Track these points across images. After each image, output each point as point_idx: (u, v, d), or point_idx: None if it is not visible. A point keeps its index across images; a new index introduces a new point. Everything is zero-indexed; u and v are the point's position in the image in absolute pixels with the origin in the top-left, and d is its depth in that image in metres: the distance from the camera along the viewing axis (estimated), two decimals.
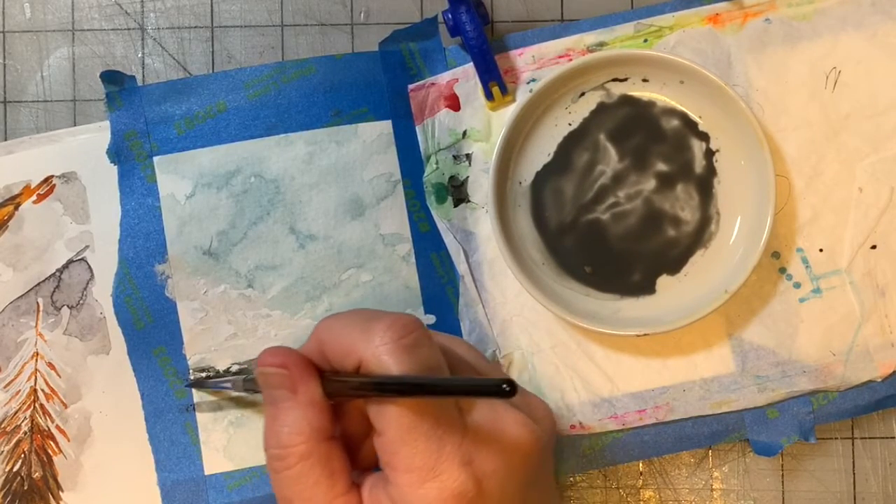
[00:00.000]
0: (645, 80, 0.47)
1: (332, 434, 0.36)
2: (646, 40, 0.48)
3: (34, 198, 0.49)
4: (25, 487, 0.48)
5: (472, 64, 0.48)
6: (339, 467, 0.36)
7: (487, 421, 0.35)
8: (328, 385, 0.37)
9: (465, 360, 0.41)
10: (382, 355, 0.34)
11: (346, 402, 0.38)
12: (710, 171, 0.47)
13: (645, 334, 0.46)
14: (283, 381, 0.36)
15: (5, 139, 0.50)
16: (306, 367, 0.37)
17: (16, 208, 0.49)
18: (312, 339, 0.38)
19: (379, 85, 0.49)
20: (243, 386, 0.43)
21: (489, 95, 0.48)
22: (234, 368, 0.48)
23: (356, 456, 0.39)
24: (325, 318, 0.39)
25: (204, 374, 0.48)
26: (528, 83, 0.49)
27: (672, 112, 0.48)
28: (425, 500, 0.34)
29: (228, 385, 0.45)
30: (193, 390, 0.48)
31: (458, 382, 0.34)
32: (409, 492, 0.34)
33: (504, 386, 0.31)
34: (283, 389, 0.36)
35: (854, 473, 0.49)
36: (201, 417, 0.48)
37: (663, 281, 0.48)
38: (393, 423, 0.34)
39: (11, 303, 0.48)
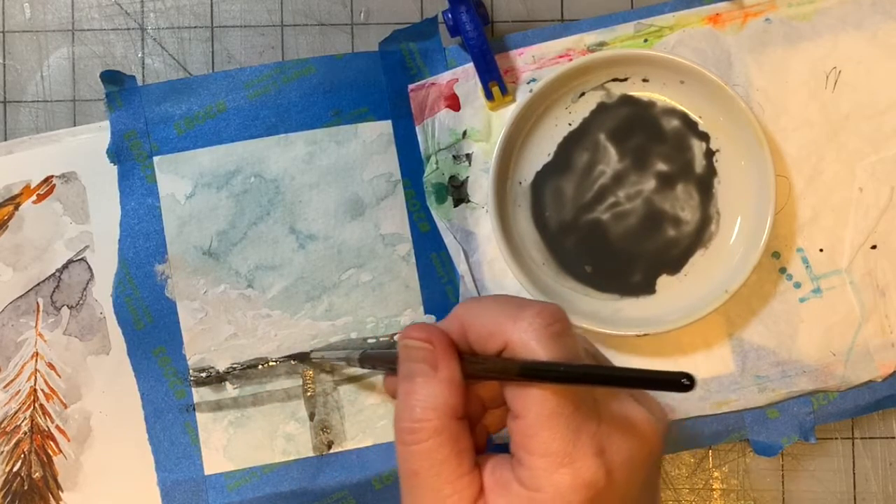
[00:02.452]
0: (645, 80, 0.47)
1: (462, 414, 0.37)
2: (646, 40, 0.48)
3: (34, 198, 0.49)
4: (25, 487, 0.48)
5: (472, 64, 0.48)
6: (465, 446, 0.36)
7: (619, 413, 0.36)
8: (469, 366, 0.37)
9: (600, 355, 0.41)
10: (531, 340, 0.34)
11: (477, 383, 0.38)
12: (711, 171, 0.47)
13: (645, 334, 0.46)
14: (426, 357, 0.37)
15: (5, 139, 0.50)
16: (449, 346, 0.37)
17: (16, 208, 0.49)
18: (452, 320, 0.38)
19: (379, 85, 0.49)
20: (358, 362, 0.43)
21: (489, 95, 0.48)
22: (236, 368, 0.48)
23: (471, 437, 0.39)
24: (467, 300, 0.40)
25: (204, 374, 0.48)
26: (528, 83, 0.49)
27: (672, 112, 0.48)
28: (558, 486, 0.34)
29: (342, 359, 0.45)
30: (193, 389, 0.48)
31: (631, 373, 0.33)
32: (541, 476, 0.34)
33: (684, 380, 0.30)
34: (424, 365, 0.37)
35: (854, 473, 0.49)
36: (201, 417, 0.48)
37: (663, 281, 0.48)
38: (535, 406, 0.34)
39: (11, 303, 0.48)
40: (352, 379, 0.49)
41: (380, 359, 0.42)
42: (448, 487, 0.35)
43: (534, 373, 0.34)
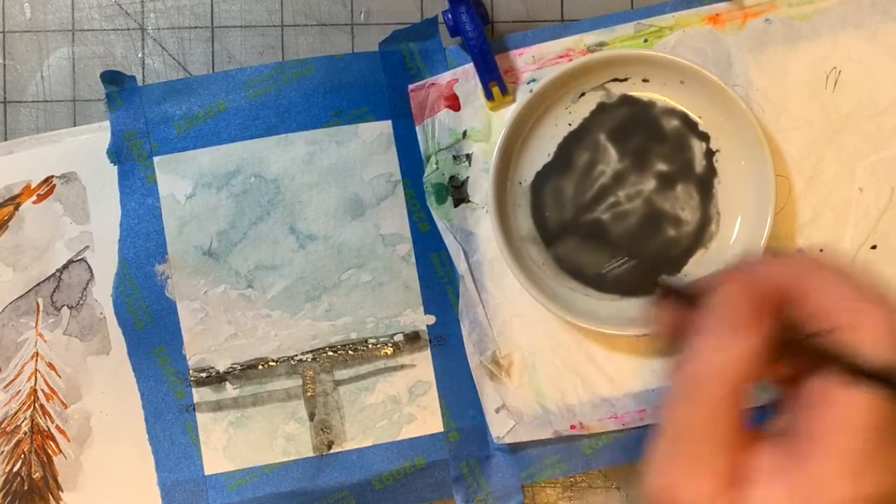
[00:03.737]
0: (645, 80, 0.47)
1: (755, 381, 0.32)
2: (646, 40, 0.48)
3: (34, 198, 0.49)
4: (25, 487, 0.48)
5: (472, 64, 0.48)
6: (744, 419, 0.32)
7: None
8: (790, 342, 0.32)
9: None
10: (887, 336, 0.30)
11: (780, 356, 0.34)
12: (711, 171, 0.47)
13: (645, 334, 0.46)
14: (742, 317, 0.32)
15: (5, 139, 0.50)
16: (773, 309, 0.32)
17: (16, 208, 0.49)
18: (779, 272, 0.33)
19: (379, 85, 0.49)
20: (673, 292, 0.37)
21: (489, 95, 0.48)
22: (236, 369, 0.48)
23: None
24: (806, 259, 0.34)
25: (205, 374, 0.48)
26: (528, 83, 0.49)
27: (672, 112, 0.48)
28: (839, 494, 0.30)
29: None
30: (193, 389, 0.48)
31: None
32: (829, 477, 0.30)
33: None
34: (735, 325, 0.32)
35: None
36: (201, 417, 0.48)
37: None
38: (859, 407, 0.30)
39: (11, 303, 0.48)
40: (352, 379, 0.49)
41: (681, 293, 0.36)
42: (720, 458, 0.32)
43: (879, 377, 0.30)
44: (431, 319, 0.49)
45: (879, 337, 0.30)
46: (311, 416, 0.48)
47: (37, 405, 0.48)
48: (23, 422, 0.48)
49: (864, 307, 0.31)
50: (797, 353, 0.32)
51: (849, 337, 0.31)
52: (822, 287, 0.32)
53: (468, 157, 0.49)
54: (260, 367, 0.48)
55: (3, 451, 0.48)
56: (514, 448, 0.49)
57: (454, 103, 0.49)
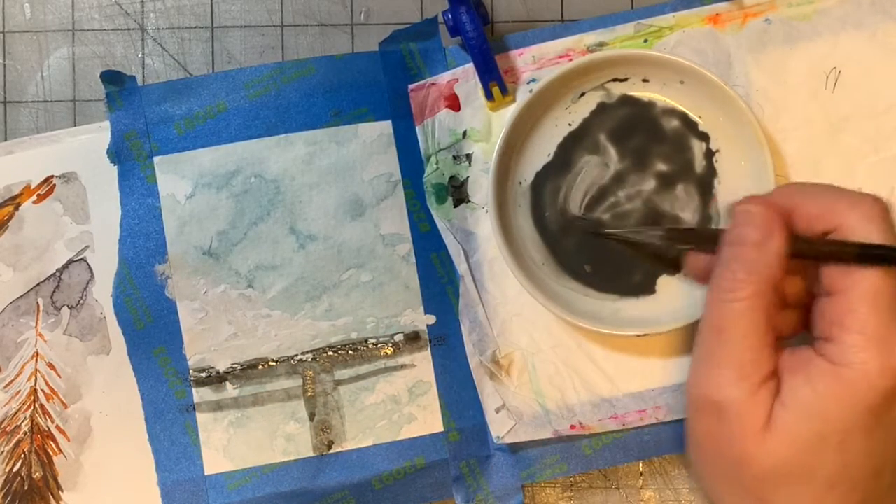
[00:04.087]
0: (645, 81, 0.47)
1: (777, 289, 0.37)
2: (646, 40, 0.48)
3: (34, 198, 0.49)
4: (25, 487, 0.48)
5: (472, 64, 0.48)
6: (773, 323, 0.37)
7: None
8: (801, 244, 0.38)
9: None
10: (871, 223, 0.36)
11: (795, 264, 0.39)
12: (711, 171, 0.47)
13: (645, 334, 0.46)
14: (763, 223, 0.37)
15: (5, 139, 0.50)
16: (783, 219, 0.38)
17: (16, 208, 0.49)
18: (781, 196, 0.39)
19: (379, 85, 0.49)
20: (662, 238, 0.44)
21: (489, 95, 0.48)
22: (236, 369, 0.48)
23: None
24: (790, 184, 0.41)
25: (205, 374, 0.48)
26: (528, 83, 0.49)
27: (672, 112, 0.48)
28: (866, 365, 0.34)
29: (639, 238, 0.46)
30: (194, 389, 0.48)
31: None
32: (852, 353, 0.34)
33: None
34: (759, 232, 0.37)
35: None
36: (201, 417, 0.48)
37: (663, 281, 0.48)
38: (861, 284, 0.35)
39: (11, 303, 0.48)
40: (352, 379, 0.49)
41: (693, 235, 0.44)
42: (749, 353, 0.36)
43: (873, 255, 0.35)
44: (431, 319, 0.49)
45: (867, 224, 0.36)
46: (311, 416, 0.48)
47: (37, 405, 0.48)
48: (23, 422, 0.48)
49: (844, 204, 0.36)
50: (807, 259, 0.37)
51: (845, 231, 0.36)
52: (812, 198, 0.38)
53: (468, 157, 0.49)
54: (260, 367, 0.49)
55: (3, 451, 0.48)
56: (514, 448, 0.49)
57: (454, 103, 0.49)
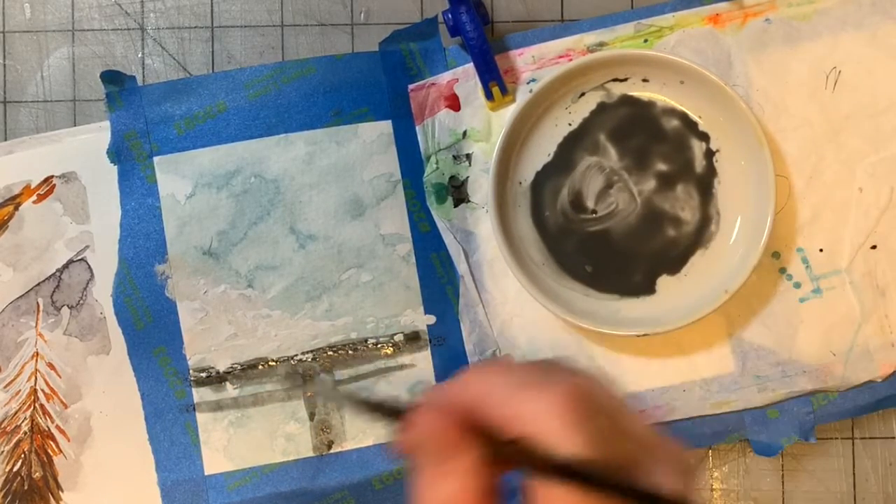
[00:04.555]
0: (645, 80, 0.47)
1: (495, 490, 0.33)
2: (646, 40, 0.48)
3: (34, 198, 0.49)
4: (25, 487, 0.48)
5: (472, 64, 0.48)
6: None
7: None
8: (496, 451, 0.33)
9: (636, 428, 0.37)
10: (558, 431, 0.31)
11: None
12: (710, 171, 0.47)
13: (645, 334, 0.46)
14: (444, 448, 0.33)
15: (5, 139, 0.50)
16: (468, 432, 0.33)
17: (16, 208, 0.49)
18: (465, 391, 0.34)
19: (379, 85, 0.49)
20: (364, 405, 0.37)
21: (489, 95, 0.48)
22: (236, 369, 0.48)
23: None
24: (479, 369, 0.35)
25: (205, 374, 0.48)
26: (528, 83, 0.49)
27: (672, 112, 0.48)
28: None
29: (361, 405, 0.41)
30: (194, 389, 0.48)
31: (651, 492, 0.31)
32: None
33: None
34: (442, 455, 0.33)
35: (854, 473, 0.49)
36: (201, 417, 0.48)
37: (663, 281, 0.48)
38: (559, 501, 0.31)
39: (11, 303, 0.48)
40: (352, 379, 0.49)
41: (390, 411, 0.36)
42: None
43: (562, 473, 0.31)
44: (431, 319, 0.49)
45: (552, 431, 0.31)
46: (311, 416, 0.48)
47: (37, 405, 0.48)
48: (23, 422, 0.48)
49: (527, 403, 0.32)
50: (517, 467, 0.33)
51: (533, 437, 0.31)
52: (490, 398, 0.33)
53: (468, 157, 0.49)
54: (260, 366, 0.49)
55: (3, 451, 0.48)
56: None
57: (454, 103, 0.49)
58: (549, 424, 0.31)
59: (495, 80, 0.47)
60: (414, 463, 0.34)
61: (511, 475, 0.35)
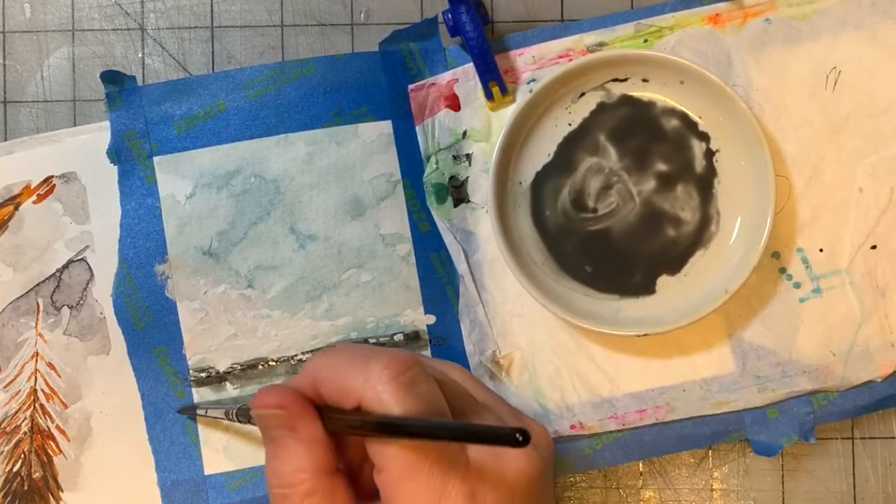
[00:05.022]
0: (645, 80, 0.47)
1: (335, 467, 0.36)
2: (646, 40, 0.48)
3: (34, 198, 0.49)
4: (25, 487, 0.48)
5: (472, 64, 0.48)
6: (343, 501, 0.36)
7: (488, 453, 0.36)
8: (329, 422, 0.36)
9: (460, 389, 0.41)
10: (383, 394, 0.34)
11: (346, 436, 0.38)
12: (710, 171, 0.47)
13: (645, 334, 0.46)
14: (281, 422, 0.36)
15: (5, 139, 0.50)
16: (304, 405, 0.36)
17: (16, 208, 0.49)
18: (305, 376, 0.38)
19: (379, 85, 0.49)
20: (237, 417, 0.43)
21: (489, 95, 0.48)
22: (236, 369, 0.48)
23: (357, 483, 0.39)
24: (317, 356, 0.39)
25: (205, 374, 0.48)
26: (528, 83, 0.49)
27: (672, 112, 0.48)
28: None
29: (221, 415, 0.45)
30: (194, 389, 0.48)
31: (470, 428, 0.33)
32: None
33: (518, 436, 0.30)
34: (281, 429, 0.36)
35: (854, 473, 0.50)
36: (201, 417, 0.48)
37: (663, 281, 0.48)
38: (394, 460, 0.34)
39: (11, 303, 0.48)
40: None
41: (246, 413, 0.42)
42: None
43: (389, 430, 0.33)
44: (431, 319, 0.49)
45: (379, 395, 0.34)
46: None
47: (37, 405, 0.48)
48: (23, 422, 0.48)
49: (357, 377, 0.35)
50: (349, 433, 0.36)
51: (365, 406, 0.34)
52: (330, 376, 0.36)
53: (468, 157, 0.49)
54: (260, 366, 0.49)
55: (3, 451, 0.48)
56: None
57: (454, 103, 0.49)
58: (374, 392, 0.34)
59: (495, 80, 0.47)
60: (263, 441, 0.37)
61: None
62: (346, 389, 0.35)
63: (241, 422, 0.43)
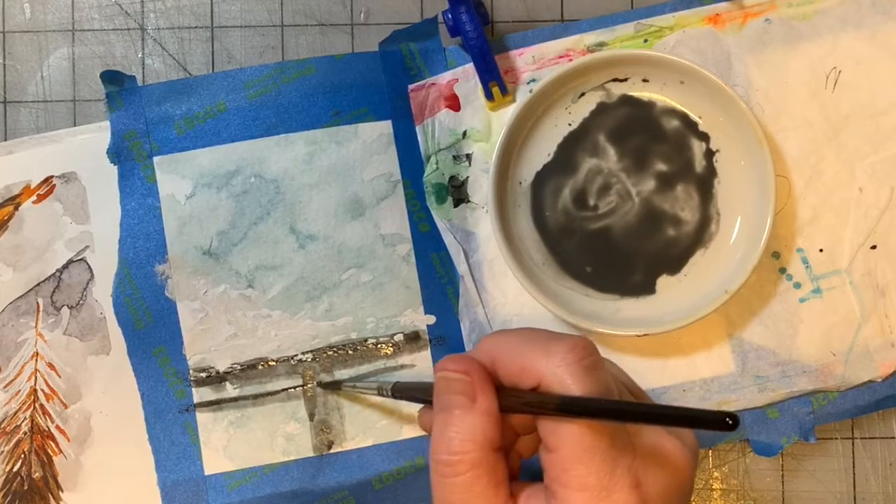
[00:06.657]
0: (645, 80, 0.47)
1: (499, 445, 0.37)
2: (646, 40, 0.48)
3: (34, 198, 0.49)
4: (25, 487, 0.48)
5: (472, 64, 0.48)
6: (502, 478, 0.36)
7: (652, 444, 0.36)
8: (505, 399, 0.37)
9: (625, 380, 0.41)
10: (566, 376, 0.34)
11: (513, 415, 0.38)
12: (710, 171, 0.47)
13: (645, 334, 0.46)
14: (464, 389, 0.37)
15: (5, 139, 0.50)
16: (486, 378, 0.37)
17: (16, 208, 0.49)
18: (482, 353, 0.38)
19: (379, 85, 0.49)
20: (391, 392, 0.43)
21: (489, 95, 0.48)
22: (236, 369, 0.48)
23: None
24: (495, 334, 0.39)
25: (205, 374, 0.48)
26: (528, 83, 0.49)
27: (672, 112, 0.48)
28: None
29: (374, 390, 0.45)
30: (194, 389, 0.48)
31: (673, 411, 0.32)
32: None
33: (728, 420, 0.29)
34: (462, 396, 0.37)
35: (854, 473, 0.50)
36: (201, 417, 0.48)
37: (663, 281, 0.48)
38: (570, 441, 0.34)
39: (11, 303, 0.48)
40: (353, 379, 0.49)
41: (415, 390, 0.42)
42: None
43: (571, 409, 0.34)
44: (431, 319, 0.49)
45: (561, 376, 0.34)
46: (311, 416, 0.48)
47: (37, 405, 0.48)
48: (23, 422, 0.48)
49: (539, 357, 0.35)
50: (525, 411, 0.36)
51: (547, 385, 0.35)
52: (509, 353, 0.37)
53: (468, 157, 0.49)
54: (260, 366, 0.49)
55: (3, 451, 0.48)
56: None
57: (454, 103, 0.49)
58: (556, 373, 0.34)
59: (495, 80, 0.47)
60: (434, 407, 0.37)
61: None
62: (527, 368, 0.36)
63: (395, 397, 0.43)
